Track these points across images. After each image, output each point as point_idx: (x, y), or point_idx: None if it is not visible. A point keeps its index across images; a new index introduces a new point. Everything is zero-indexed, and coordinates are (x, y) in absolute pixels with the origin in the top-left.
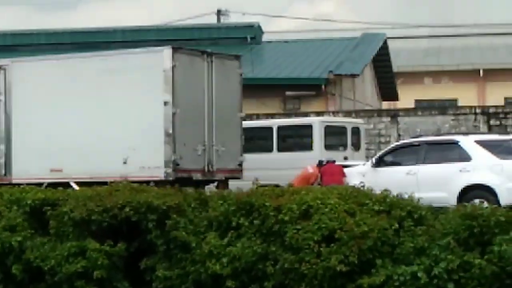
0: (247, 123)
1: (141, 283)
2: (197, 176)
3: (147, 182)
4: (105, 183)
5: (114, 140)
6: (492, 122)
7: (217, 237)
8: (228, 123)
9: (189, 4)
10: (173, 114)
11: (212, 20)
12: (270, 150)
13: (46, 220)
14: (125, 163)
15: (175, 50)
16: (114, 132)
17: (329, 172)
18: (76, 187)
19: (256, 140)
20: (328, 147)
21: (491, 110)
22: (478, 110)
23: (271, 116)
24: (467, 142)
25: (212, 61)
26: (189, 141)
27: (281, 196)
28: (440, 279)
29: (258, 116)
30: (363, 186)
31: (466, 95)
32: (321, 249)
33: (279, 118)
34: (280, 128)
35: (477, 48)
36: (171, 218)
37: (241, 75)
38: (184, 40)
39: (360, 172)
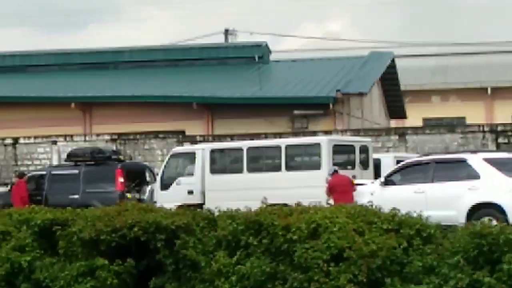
0: (255, 143)
1: None
2: None
3: None
4: None
5: None
6: (500, 140)
7: (226, 256)
8: None
9: (197, 24)
10: None
11: (219, 39)
12: (278, 169)
13: (55, 240)
14: None
15: None
16: None
17: (340, 190)
18: None
19: (265, 160)
20: (336, 166)
21: (499, 128)
22: (486, 128)
23: (279, 135)
24: (476, 160)
25: None
26: None
27: (290, 215)
28: None
29: (266, 136)
30: (372, 205)
31: (474, 113)
32: (330, 268)
33: (287, 137)
34: (288, 147)
35: (485, 66)
36: (180, 238)
37: None
38: (192, 60)
39: (368, 191)
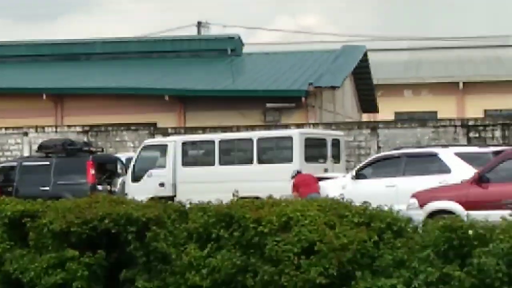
0: (227, 135)
1: None
2: None
3: None
4: None
5: None
6: (471, 134)
7: (197, 249)
8: None
9: (170, 16)
10: None
11: (192, 32)
12: (250, 162)
13: (25, 232)
14: None
15: None
16: None
17: (303, 184)
18: None
19: (236, 152)
20: (308, 159)
21: (470, 123)
22: (457, 123)
23: (251, 128)
24: (447, 154)
25: None
26: None
27: (261, 208)
28: None
29: (238, 128)
30: (343, 198)
31: (445, 108)
32: (301, 261)
33: (259, 130)
34: (260, 140)
35: (457, 61)
36: (151, 230)
37: None
38: (165, 52)
39: (340, 184)
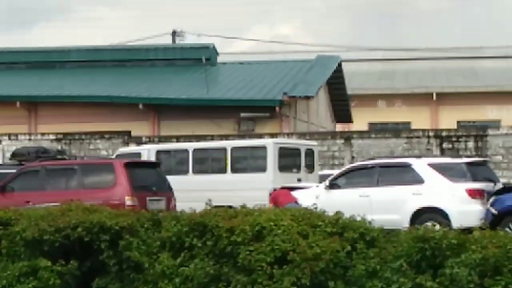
0: (201, 144)
1: None
2: None
3: None
4: None
5: None
6: (444, 145)
7: (170, 258)
8: None
9: (146, 25)
10: None
11: (167, 41)
12: (224, 171)
13: None
14: None
15: None
16: None
17: (282, 194)
18: None
19: (210, 161)
20: (281, 168)
21: (443, 134)
22: (431, 133)
23: (226, 137)
24: (420, 165)
25: None
26: None
27: (234, 217)
28: None
29: (212, 137)
30: (316, 208)
31: (419, 118)
32: (274, 270)
33: (233, 139)
34: (234, 149)
35: (431, 72)
36: (124, 239)
37: None
38: (139, 60)
39: (313, 194)
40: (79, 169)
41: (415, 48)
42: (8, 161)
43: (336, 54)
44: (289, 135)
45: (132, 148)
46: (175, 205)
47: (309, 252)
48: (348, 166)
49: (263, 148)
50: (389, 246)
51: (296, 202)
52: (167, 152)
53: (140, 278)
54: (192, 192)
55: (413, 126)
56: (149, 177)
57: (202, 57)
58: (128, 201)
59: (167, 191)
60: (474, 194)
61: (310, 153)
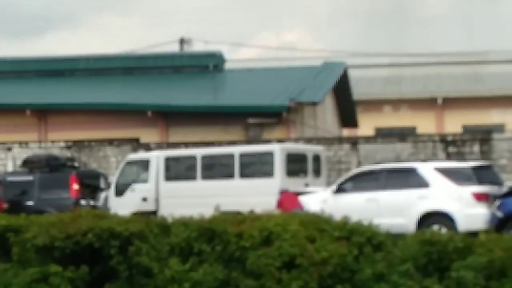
0: (209, 150)
1: None
2: None
3: None
4: None
5: None
6: (450, 149)
7: (179, 263)
8: None
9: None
10: None
11: (175, 48)
12: (232, 177)
13: (9, 247)
14: None
15: None
16: None
17: (288, 200)
18: None
19: (218, 167)
20: (289, 173)
21: (449, 138)
22: (436, 138)
23: (233, 143)
24: (426, 169)
25: None
26: None
27: (243, 222)
28: None
29: (220, 144)
30: (324, 213)
31: (424, 123)
32: (282, 275)
33: (241, 145)
34: (242, 155)
35: (436, 77)
36: (134, 244)
37: None
38: (148, 68)
39: (321, 199)
40: None
41: (421, 54)
42: (19, 168)
43: (342, 60)
44: (296, 140)
45: (141, 155)
46: None
47: (316, 256)
48: (354, 170)
49: (271, 153)
50: (396, 250)
51: (302, 208)
52: (176, 158)
53: (150, 283)
54: (200, 198)
55: (418, 131)
56: None
57: (209, 64)
58: None
59: None
60: (479, 197)
61: (317, 158)
